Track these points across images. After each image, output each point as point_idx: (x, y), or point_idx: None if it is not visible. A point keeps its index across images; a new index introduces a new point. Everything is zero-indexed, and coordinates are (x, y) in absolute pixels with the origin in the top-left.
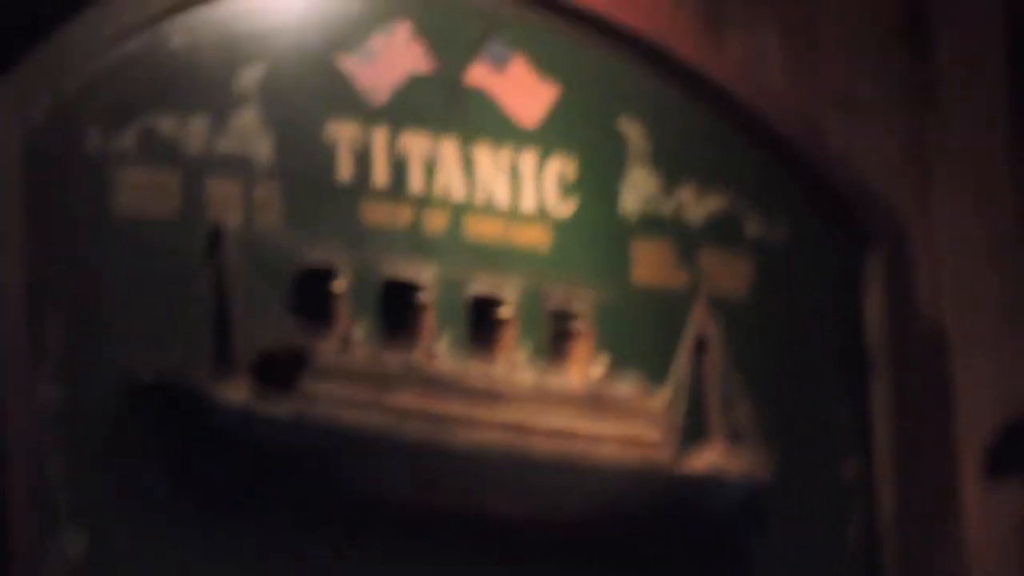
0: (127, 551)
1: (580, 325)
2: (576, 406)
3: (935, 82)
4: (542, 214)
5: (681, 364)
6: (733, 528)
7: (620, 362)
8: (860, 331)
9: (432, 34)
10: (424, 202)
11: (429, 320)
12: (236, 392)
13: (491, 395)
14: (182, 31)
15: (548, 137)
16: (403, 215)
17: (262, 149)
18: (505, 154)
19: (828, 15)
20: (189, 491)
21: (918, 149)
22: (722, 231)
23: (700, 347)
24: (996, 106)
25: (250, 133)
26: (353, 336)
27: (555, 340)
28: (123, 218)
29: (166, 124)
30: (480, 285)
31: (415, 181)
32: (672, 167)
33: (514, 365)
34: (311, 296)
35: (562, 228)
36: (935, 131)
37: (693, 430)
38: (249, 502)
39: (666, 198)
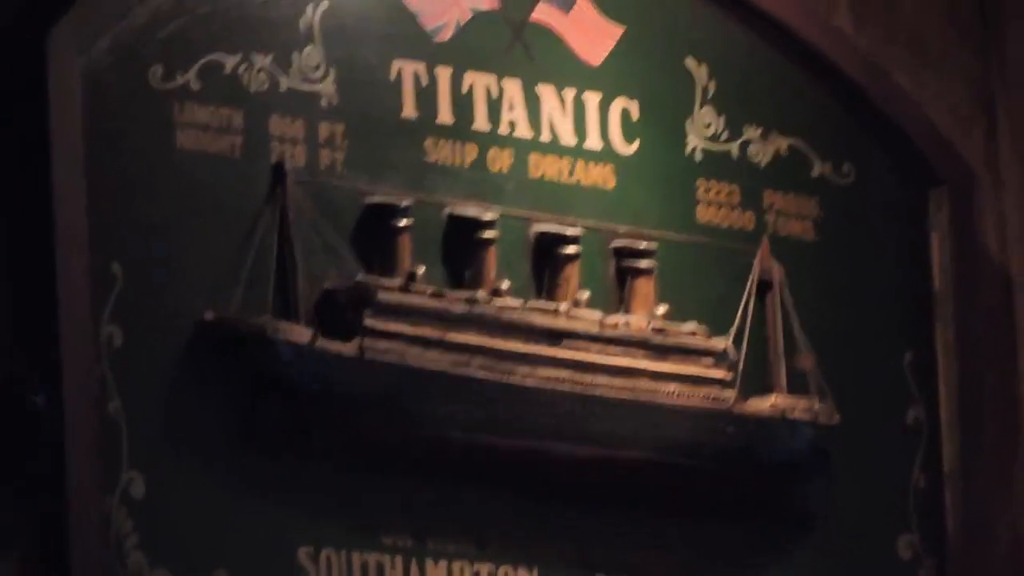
0: (187, 493)
1: (644, 265)
2: (639, 346)
3: (1004, 28)
4: (607, 153)
5: (745, 306)
6: (796, 473)
7: (684, 302)
8: (925, 274)
9: None
10: (489, 141)
11: (493, 259)
12: (299, 332)
13: (554, 334)
14: None
15: (613, 77)
16: (467, 154)
17: (326, 87)
18: (570, 93)
19: None
20: (250, 434)
21: (985, 94)
22: (788, 172)
23: (764, 289)
24: None
25: (314, 71)
26: (417, 275)
27: (619, 279)
28: (185, 156)
29: (230, 62)
30: (544, 224)
31: (480, 119)
32: (738, 108)
33: (578, 303)
34: (375, 234)
35: (627, 167)
36: (1003, 77)
37: (757, 373)
38: (311, 444)
39: (732, 139)
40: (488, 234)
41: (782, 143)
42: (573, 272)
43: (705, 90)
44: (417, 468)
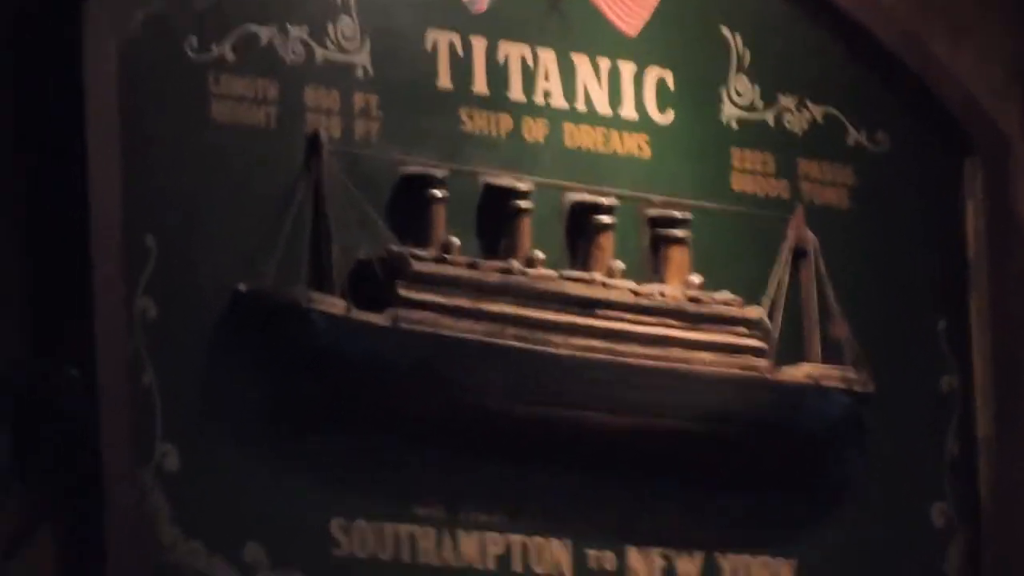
0: (221, 466)
1: (679, 234)
2: (674, 315)
3: None
4: (642, 122)
5: (779, 274)
6: (830, 440)
7: (718, 271)
8: (960, 242)
9: None
10: (523, 110)
11: (527, 229)
12: (333, 303)
13: (588, 303)
14: None
15: (648, 46)
16: (502, 123)
17: (360, 58)
18: (604, 62)
19: None
20: (285, 405)
21: (1021, 63)
22: (823, 141)
23: (798, 257)
24: None
25: (349, 42)
26: (451, 244)
27: (653, 249)
28: (220, 127)
29: (265, 33)
30: (579, 194)
31: (514, 89)
32: (773, 77)
33: (612, 273)
34: (409, 205)
35: (662, 137)
36: None
37: (791, 341)
38: (345, 415)
39: (767, 108)
40: (523, 204)
41: (817, 112)
42: (608, 242)
43: (740, 59)
44: (450, 438)
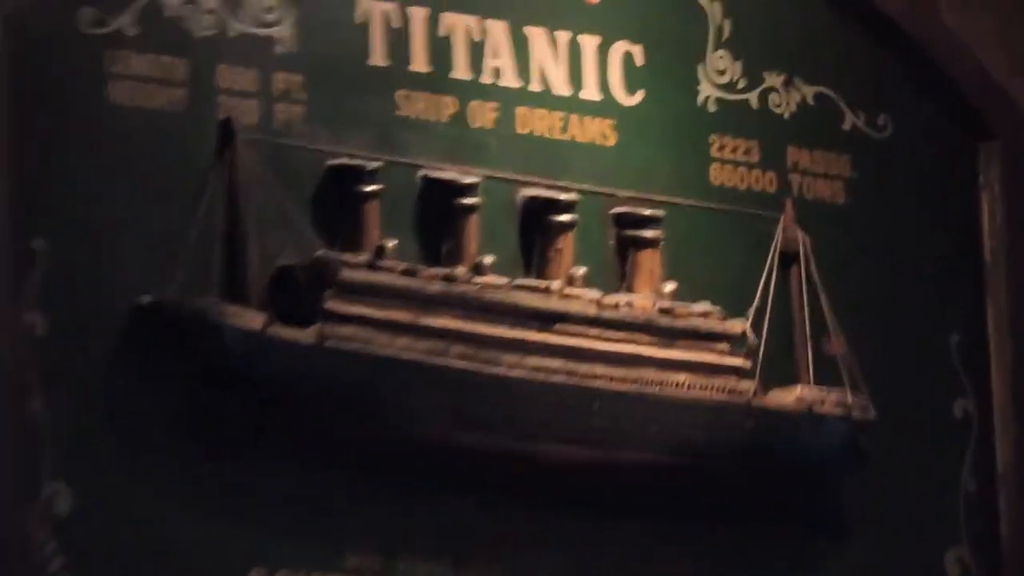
0: (121, 505)
1: (650, 235)
2: (644, 330)
3: None
4: (606, 105)
5: (766, 282)
6: (825, 475)
7: (695, 278)
8: (975, 241)
9: None
10: (470, 92)
11: (474, 229)
12: (250, 317)
13: (546, 317)
14: None
15: (613, 16)
16: (445, 107)
17: (281, 32)
18: (564, 36)
19: None
20: (195, 436)
21: None
22: (815, 125)
23: (788, 262)
24: None
25: (268, 14)
26: (386, 249)
27: (620, 252)
28: (120, 113)
29: (170, 3)
30: (534, 188)
31: (459, 68)
32: (757, 52)
33: (573, 281)
34: (338, 202)
35: (629, 121)
36: None
37: (780, 360)
38: (264, 447)
39: (750, 87)
40: (469, 200)
41: (808, 92)
42: (567, 244)
43: (720, 31)
44: (387, 474)
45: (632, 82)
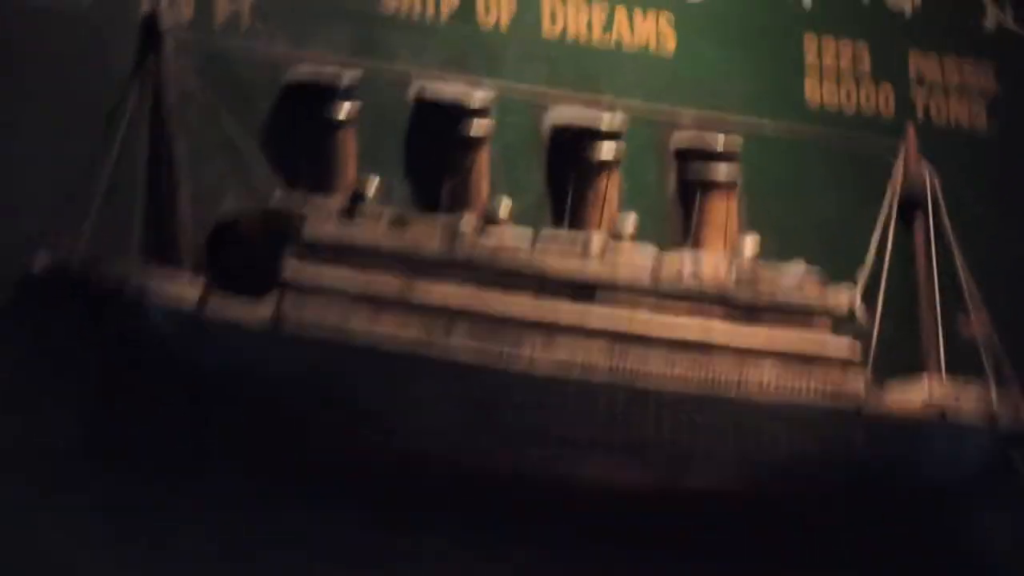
0: (13, 517)
1: (723, 175)
2: (717, 303)
3: None
4: None
5: (882, 236)
6: (964, 501)
7: (785, 232)
8: None
9: None
10: None
11: (485, 165)
12: (181, 288)
13: (582, 286)
14: None
15: None
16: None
17: None
18: None
19: None
20: (105, 436)
21: None
22: (945, 24)
23: (910, 209)
24: None
25: None
26: (366, 192)
27: (683, 198)
28: (9, 13)
29: None
30: (566, 110)
31: None
32: None
33: (619, 237)
34: (301, 130)
35: (693, 19)
36: None
37: (900, 343)
38: (197, 451)
39: None
40: (478, 127)
41: None
42: (612, 186)
43: None
44: (362, 496)
45: None
